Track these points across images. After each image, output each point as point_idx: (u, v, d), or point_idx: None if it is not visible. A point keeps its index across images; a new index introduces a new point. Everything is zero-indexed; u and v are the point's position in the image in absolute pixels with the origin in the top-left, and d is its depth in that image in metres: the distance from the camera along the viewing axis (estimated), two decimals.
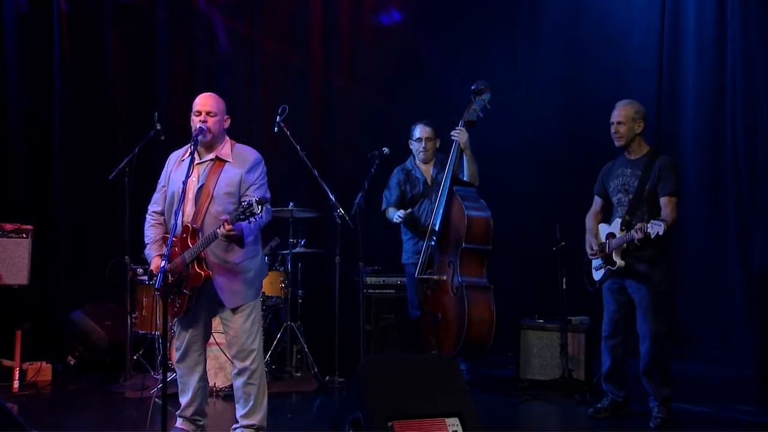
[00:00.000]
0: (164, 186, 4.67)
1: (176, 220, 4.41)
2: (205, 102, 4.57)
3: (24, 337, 6.26)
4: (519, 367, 6.40)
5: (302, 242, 6.84)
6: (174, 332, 4.80)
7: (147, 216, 4.71)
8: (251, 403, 4.59)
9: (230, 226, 4.24)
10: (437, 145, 6.57)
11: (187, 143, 4.59)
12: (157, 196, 4.72)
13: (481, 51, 8.03)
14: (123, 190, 6.29)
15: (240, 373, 4.59)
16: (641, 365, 5.28)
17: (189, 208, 4.49)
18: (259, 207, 4.13)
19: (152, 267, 4.57)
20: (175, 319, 4.65)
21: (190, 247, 4.42)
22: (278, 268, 6.73)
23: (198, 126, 4.51)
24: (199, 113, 4.53)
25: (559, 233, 6.11)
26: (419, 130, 6.52)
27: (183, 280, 4.47)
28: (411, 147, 6.60)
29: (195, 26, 8.02)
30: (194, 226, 4.45)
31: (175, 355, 4.72)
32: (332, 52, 8.16)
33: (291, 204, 6.66)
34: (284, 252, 6.83)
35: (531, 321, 6.45)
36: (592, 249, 5.45)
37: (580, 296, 6.11)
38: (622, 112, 5.36)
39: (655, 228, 4.87)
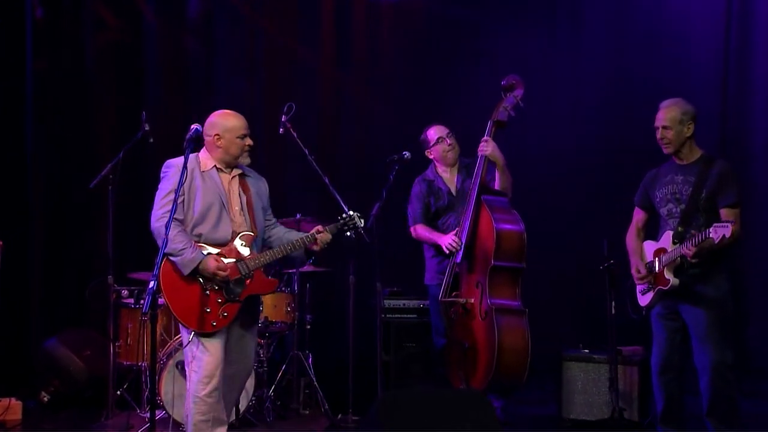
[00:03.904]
0: (182, 196, 4.82)
1: (217, 228, 4.86)
2: (245, 124, 5.02)
3: None
4: (561, 405, 6.37)
5: (311, 260, 6.87)
6: (188, 356, 4.85)
7: (168, 222, 4.60)
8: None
9: (330, 236, 5.00)
10: (457, 144, 6.58)
11: (187, 149, 4.75)
12: (175, 206, 4.71)
13: (515, 42, 8.04)
14: (106, 200, 6.34)
15: (231, 392, 5.03)
16: (704, 405, 5.23)
17: (239, 217, 4.96)
18: (362, 221, 5.04)
19: (211, 268, 4.75)
20: (199, 334, 4.76)
21: (252, 254, 4.92)
22: (284, 289, 6.74)
23: (194, 128, 4.76)
24: (245, 136, 4.99)
25: (606, 249, 6.09)
26: (436, 130, 6.46)
27: (239, 286, 4.85)
28: (430, 156, 6.60)
29: (187, 12, 8.10)
30: (255, 234, 4.97)
31: (200, 388, 4.75)
32: (345, 42, 8.21)
33: (298, 215, 6.69)
34: (290, 271, 6.85)
35: (574, 351, 6.42)
36: (639, 272, 5.42)
37: (632, 322, 6.10)
38: (666, 115, 5.32)
39: (720, 231, 4.81)
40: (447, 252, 6.20)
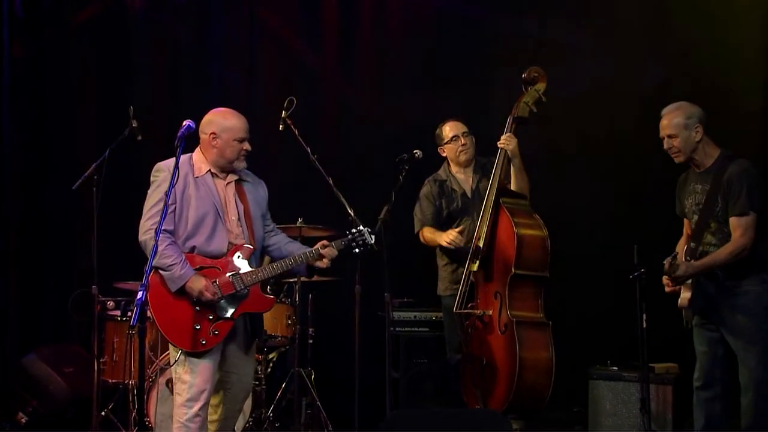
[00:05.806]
0: (174, 204, 4.81)
1: (212, 239, 4.84)
2: (246, 126, 5.00)
3: None
4: (588, 427, 6.37)
5: (312, 275, 6.82)
6: (174, 376, 4.84)
7: (157, 234, 4.61)
8: None
9: (335, 252, 5.01)
10: (474, 143, 6.55)
11: (179, 148, 4.69)
12: (165, 215, 4.69)
13: (538, 37, 7.97)
14: (90, 203, 6.30)
15: (230, 417, 5.03)
16: (743, 422, 5.21)
17: (236, 228, 4.92)
18: (372, 237, 5.08)
19: (197, 288, 4.71)
20: (187, 353, 4.73)
21: (249, 269, 4.88)
22: (283, 300, 6.73)
23: (186, 124, 4.70)
24: (243, 140, 4.96)
25: (636, 257, 6.05)
26: (451, 127, 6.49)
27: (233, 303, 4.83)
28: (444, 154, 6.57)
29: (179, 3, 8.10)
30: (253, 247, 4.94)
31: (182, 412, 4.74)
32: (351, 29, 8.20)
33: (300, 220, 6.65)
34: (291, 280, 6.82)
35: (602, 369, 6.43)
36: (668, 285, 5.35)
37: (665, 337, 6.05)
38: (670, 122, 5.29)
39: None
40: (449, 246, 6.23)
